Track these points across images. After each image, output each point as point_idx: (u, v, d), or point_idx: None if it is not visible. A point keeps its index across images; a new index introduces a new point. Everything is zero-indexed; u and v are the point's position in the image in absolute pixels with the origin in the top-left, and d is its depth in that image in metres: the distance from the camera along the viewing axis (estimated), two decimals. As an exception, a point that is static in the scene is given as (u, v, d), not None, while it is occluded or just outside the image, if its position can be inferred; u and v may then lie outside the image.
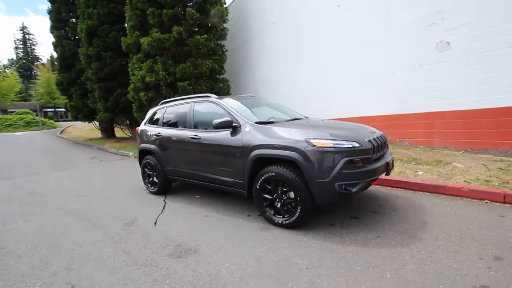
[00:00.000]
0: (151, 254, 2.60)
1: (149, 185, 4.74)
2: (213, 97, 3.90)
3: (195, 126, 3.91)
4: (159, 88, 9.85)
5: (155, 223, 3.37)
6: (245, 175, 3.18)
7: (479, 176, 3.93)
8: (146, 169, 4.76)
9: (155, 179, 4.60)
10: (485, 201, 3.24)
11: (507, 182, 3.60)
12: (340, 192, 2.63)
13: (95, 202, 4.47)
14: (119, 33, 11.87)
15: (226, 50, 11.29)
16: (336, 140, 2.67)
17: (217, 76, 11.03)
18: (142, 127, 4.95)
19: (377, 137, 2.99)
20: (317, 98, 8.56)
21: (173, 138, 4.13)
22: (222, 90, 11.01)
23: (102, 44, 12.16)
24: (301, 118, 3.95)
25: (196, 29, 10.22)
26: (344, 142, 2.65)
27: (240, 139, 3.21)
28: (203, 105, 3.96)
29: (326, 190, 2.63)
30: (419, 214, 3.04)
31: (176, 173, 4.21)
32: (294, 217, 2.80)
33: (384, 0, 6.28)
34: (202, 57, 10.32)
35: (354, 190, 2.63)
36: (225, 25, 10.81)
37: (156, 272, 2.28)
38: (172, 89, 10.01)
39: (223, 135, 3.42)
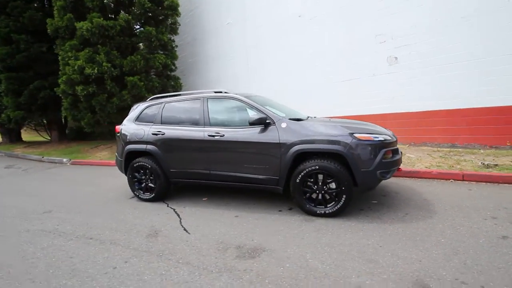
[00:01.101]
0: (215, 259, 2.38)
1: (141, 192, 4.15)
2: (232, 93, 3.77)
3: (211, 124, 3.69)
4: (103, 81, 8.51)
5: (186, 230, 3.04)
6: (281, 171, 3.24)
7: (432, 163, 5.08)
8: (136, 174, 4.14)
9: (150, 184, 4.07)
10: (450, 180, 4.27)
11: (452, 165, 4.80)
12: (379, 179, 3.04)
13: (73, 217, 3.65)
14: (38, 13, 9.56)
15: (176, 46, 10.66)
16: (374, 134, 3.06)
17: (169, 73, 10.28)
18: (128, 125, 4.28)
19: (393, 133, 3.55)
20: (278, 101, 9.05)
21: (182, 137, 3.77)
22: (174, 88, 10.34)
23: (13, 24, 9.57)
24: (312, 117, 4.26)
25: (145, 20, 9.27)
26: (380, 136, 3.07)
27: (277, 135, 3.25)
28: (221, 102, 3.76)
29: (369, 178, 2.99)
30: (416, 194, 3.75)
31: (184, 175, 3.85)
32: (339, 206, 3.04)
33: (345, 16, 7.25)
34: (154, 51, 9.44)
35: (387, 176, 3.07)
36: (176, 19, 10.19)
37: (243, 274, 2.14)
38: (119, 83, 8.81)
39: (254, 132, 3.38)
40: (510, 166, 4.37)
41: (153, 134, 3.97)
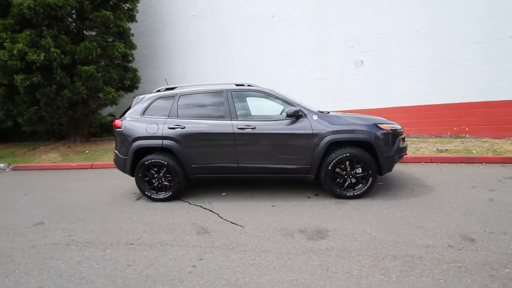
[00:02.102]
0: (291, 244, 2.47)
1: (153, 192, 3.81)
2: (256, 86, 3.80)
3: (238, 117, 3.65)
4: (51, 70, 7.21)
5: (234, 223, 3.00)
6: (314, 160, 3.48)
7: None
8: (147, 172, 3.77)
9: (165, 183, 3.77)
10: (422, 163, 5.23)
11: (414, 151, 5.85)
12: (396, 163, 3.58)
13: (81, 226, 3.18)
14: None
15: (132, 35, 9.72)
16: (392, 124, 3.58)
17: (126, 64, 9.31)
18: (133, 119, 3.84)
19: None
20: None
21: (208, 131, 3.62)
22: (133, 81, 9.44)
23: None
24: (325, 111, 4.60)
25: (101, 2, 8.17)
26: (395, 126, 3.61)
27: (310, 127, 3.47)
28: (246, 95, 3.76)
29: (390, 162, 3.49)
30: (407, 175, 4.48)
31: (208, 170, 3.71)
32: (365, 188, 3.46)
33: (316, 21, 7.87)
34: (110, 39, 8.42)
35: (400, 160, 3.65)
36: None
37: (329, 252, 2.30)
38: (70, 73, 7.58)
39: (286, 124, 3.52)
40: (456, 150, 5.62)
41: (170, 128, 3.69)
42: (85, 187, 4.88)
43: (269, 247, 2.46)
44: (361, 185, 3.50)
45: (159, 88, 4.14)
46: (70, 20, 7.45)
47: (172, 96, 3.86)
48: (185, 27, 10.11)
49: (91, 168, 6.45)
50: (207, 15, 9.64)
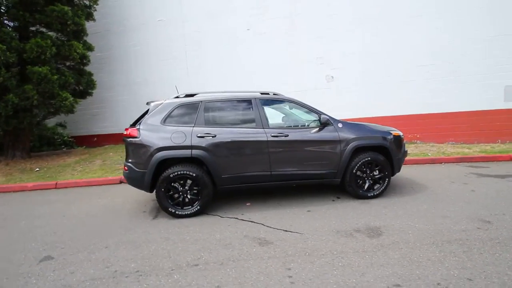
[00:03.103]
0: (360, 243, 2.63)
1: (178, 207, 3.46)
2: (282, 94, 3.89)
3: (269, 125, 3.67)
4: (-8, 70, 5.86)
5: (288, 231, 2.99)
6: (341, 164, 3.75)
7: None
8: (170, 186, 3.41)
9: (190, 197, 3.47)
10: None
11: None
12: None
13: (109, 254, 2.74)
14: None
15: (87, 35, 8.64)
16: (397, 130, 4.13)
17: (81, 67, 8.20)
18: (154, 127, 3.45)
19: None
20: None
21: (241, 139, 3.53)
22: (89, 86, 8.35)
23: None
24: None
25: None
26: (400, 132, 4.17)
27: (337, 134, 3.74)
28: (275, 103, 3.83)
29: (400, 163, 4.02)
30: (407, 175, 5.16)
31: (239, 180, 3.59)
32: (383, 187, 3.89)
33: (292, 38, 8.42)
34: (67, 37, 7.34)
35: (403, 161, 4.22)
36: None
37: (398, 245, 2.54)
38: (16, 75, 6.29)
39: (315, 131, 3.72)
40: (416, 153, 6.72)
41: (199, 137, 3.45)
42: (69, 211, 4.05)
43: (343, 249, 2.56)
44: (378, 185, 3.91)
45: (177, 95, 3.84)
46: (17, 11, 6.17)
47: (196, 103, 3.63)
48: (151, 32, 9.47)
49: (56, 188, 5.36)
50: (176, 22, 9.26)
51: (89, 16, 8.21)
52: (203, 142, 3.46)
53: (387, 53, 7.88)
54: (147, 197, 4.43)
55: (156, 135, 3.44)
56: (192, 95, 3.84)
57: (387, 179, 3.90)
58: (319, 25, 8.19)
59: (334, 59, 8.20)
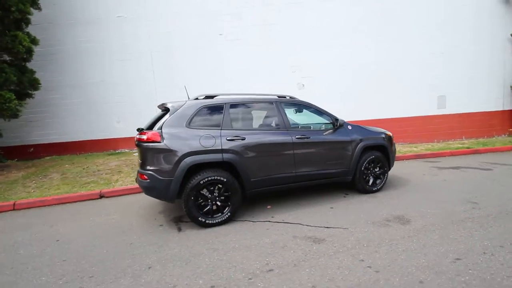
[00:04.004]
0: (400, 231, 2.93)
1: (208, 216, 3.21)
2: (297, 98, 4.01)
3: (292, 127, 3.74)
4: None
5: (330, 227, 3.11)
6: (352, 163, 4.09)
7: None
8: (198, 194, 3.14)
9: (219, 203, 3.27)
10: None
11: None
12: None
13: (164, 277, 2.39)
14: None
15: (29, 25, 7.29)
16: (389, 132, 4.70)
17: (24, 63, 6.86)
18: (178, 131, 3.15)
19: None
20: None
21: (270, 142, 3.51)
22: (32, 86, 7.03)
23: None
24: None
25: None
26: (391, 133, 4.75)
27: (348, 135, 4.06)
28: (293, 106, 3.95)
29: (393, 160, 4.58)
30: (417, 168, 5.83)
31: (267, 182, 3.55)
32: (383, 183, 4.38)
33: (265, 46, 8.68)
34: (8, 27, 6.08)
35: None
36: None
37: (431, 229, 2.92)
38: None
39: (330, 133, 3.97)
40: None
41: (229, 140, 3.29)
42: (59, 234, 3.28)
43: (390, 236, 2.82)
44: (380, 180, 4.39)
45: (197, 96, 3.58)
46: None
47: (220, 105, 3.47)
48: (108, 28, 8.49)
49: (14, 209, 4.25)
50: (140, 20, 8.54)
51: (34, 4, 6.88)
52: (233, 145, 3.32)
53: (350, 65, 8.86)
54: (149, 210, 3.96)
55: (183, 138, 3.15)
56: (212, 97, 3.64)
57: (386, 175, 4.42)
58: (291, 36, 8.70)
59: (305, 68, 8.80)
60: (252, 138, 3.45)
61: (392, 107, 8.97)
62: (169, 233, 3.15)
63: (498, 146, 7.67)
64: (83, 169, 6.39)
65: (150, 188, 3.14)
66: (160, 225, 3.41)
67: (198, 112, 3.35)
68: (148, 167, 3.14)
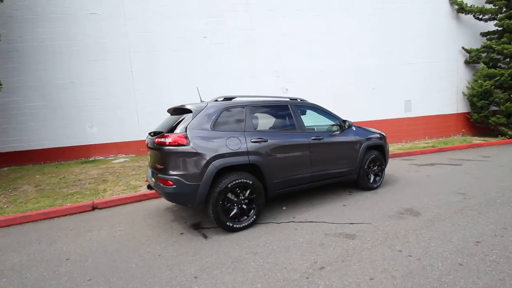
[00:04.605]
0: (416, 222, 3.18)
1: (235, 220, 3.13)
2: (306, 100, 4.14)
3: (306, 128, 3.84)
4: None
5: (358, 223, 3.25)
6: (357, 162, 4.34)
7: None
8: (226, 197, 3.05)
9: (244, 207, 3.22)
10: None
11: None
12: (387, 158, 5.11)
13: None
14: None
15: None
16: (383, 132, 5.07)
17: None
18: (203, 133, 3.02)
19: None
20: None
21: (291, 143, 3.56)
22: None
23: None
24: None
25: None
26: (384, 133, 5.13)
27: (354, 135, 4.30)
28: (305, 108, 4.04)
29: (388, 159, 4.94)
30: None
31: (287, 183, 3.59)
32: (382, 179, 4.71)
33: (249, 50, 8.73)
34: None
35: (385, 157, 5.23)
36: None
37: (442, 217, 3.23)
38: None
39: (339, 134, 4.16)
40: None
41: (253, 142, 3.25)
42: (64, 252, 2.88)
43: (411, 228, 3.05)
44: (378, 177, 4.72)
45: (216, 98, 3.47)
46: None
47: (241, 107, 3.42)
48: (79, 25, 7.77)
49: (-10, 229, 3.61)
50: (117, 19, 7.98)
51: (-8, -8, 6.02)
52: (258, 147, 3.30)
53: (328, 71, 9.35)
54: (159, 219, 3.72)
55: (209, 141, 3.04)
56: (230, 99, 3.58)
57: (384, 172, 4.77)
58: (274, 41, 8.91)
59: (288, 73, 9.07)
60: (274, 140, 3.47)
61: (367, 111, 9.68)
62: (195, 241, 3.00)
63: (457, 144, 8.76)
64: (60, 179, 5.71)
65: (176, 194, 2.95)
66: (181, 233, 3.22)
67: (221, 114, 3.26)
68: (173, 172, 2.95)
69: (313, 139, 3.82)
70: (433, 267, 2.26)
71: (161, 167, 3.07)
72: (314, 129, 4.07)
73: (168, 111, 3.91)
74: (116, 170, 6.49)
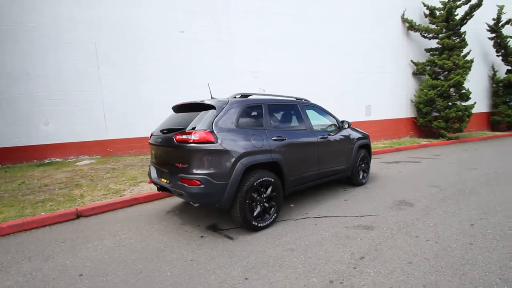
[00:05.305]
0: (414, 213, 3.58)
1: (259, 219, 3.10)
2: (309, 101, 4.28)
3: (312, 128, 3.97)
4: None
5: (367, 215, 3.50)
6: (352, 160, 4.68)
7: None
8: (251, 196, 2.99)
9: (266, 205, 3.20)
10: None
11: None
12: (369, 157, 5.60)
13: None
14: None
15: None
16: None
17: None
18: (229, 131, 2.92)
19: None
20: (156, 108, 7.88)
21: (303, 141, 3.66)
22: None
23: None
24: None
25: None
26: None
27: (349, 135, 4.62)
28: (310, 108, 4.15)
29: (371, 156, 5.42)
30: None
31: (299, 181, 3.68)
32: (368, 175, 5.14)
33: (229, 50, 8.59)
34: None
35: (367, 156, 5.72)
36: None
37: (437, 206, 3.69)
38: None
39: (337, 133, 4.43)
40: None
41: (274, 140, 3.25)
42: (72, 268, 2.46)
43: (414, 217, 3.43)
44: (365, 174, 5.15)
45: (234, 95, 3.35)
46: None
47: (259, 105, 3.39)
48: (37, 9, 6.66)
49: None
50: (80, 5, 7.08)
51: None
52: (278, 145, 3.32)
53: (303, 74, 9.78)
54: (168, 223, 3.46)
55: (235, 138, 2.95)
56: (246, 96, 3.51)
57: (369, 169, 5.23)
58: (253, 43, 8.97)
59: (266, 74, 9.21)
60: (291, 138, 3.53)
61: (337, 114, 10.39)
62: (222, 243, 2.87)
63: (409, 145, 10.03)
64: (19, 185, 4.81)
65: (203, 194, 2.77)
66: (201, 236, 3.05)
67: (243, 111, 3.20)
68: (199, 171, 2.78)
69: (320, 138, 4.00)
70: (452, 248, 2.60)
71: (183, 166, 2.87)
72: (318, 128, 4.26)
73: (174, 107, 3.67)
74: (86, 173, 5.75)
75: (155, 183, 3.44)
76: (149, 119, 7.38)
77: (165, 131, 3.19)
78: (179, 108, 3.60)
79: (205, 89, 8.13)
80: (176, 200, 4.45)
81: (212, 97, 3.58)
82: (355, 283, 2.12)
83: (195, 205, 2.93)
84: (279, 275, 2.27)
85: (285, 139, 3.45)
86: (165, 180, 3.20)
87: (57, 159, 7.18)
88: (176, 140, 2.90)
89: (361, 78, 10.73)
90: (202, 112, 3.10)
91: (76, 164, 6.62)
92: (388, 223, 3.25)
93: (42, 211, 3.88)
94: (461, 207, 3.70)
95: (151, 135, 3.57)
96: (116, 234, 3.22)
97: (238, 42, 8.85)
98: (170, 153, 3.08)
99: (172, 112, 3.78)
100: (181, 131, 2.93)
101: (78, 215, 3.82)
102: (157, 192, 4.54)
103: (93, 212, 3.94)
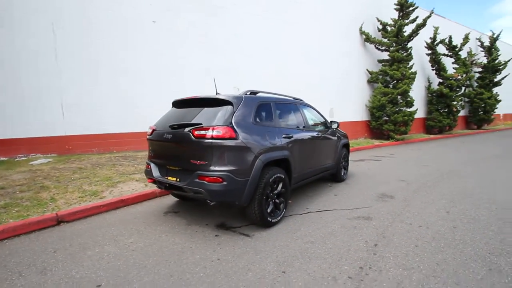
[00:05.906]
0: (402, 207, 4.05)
1: (272, 214, 3.15)
2: (303, 100, 4.46)
3: (309, 126, 4.16)
4: None
5: (360, 207, 3.81)
6: (337, 157, 5.03)
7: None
8: (267, 191, 3.03)
9: (277, 201, 3.27)
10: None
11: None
12: (347, 155, 6.07)
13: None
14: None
15: None
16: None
17: None
18: (248, 127, 2.92)
19: None
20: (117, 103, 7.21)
21: (306, 139, 3.84)
22: None
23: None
24: None
25: None
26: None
27: (336, 133, 4.97)
28: (305, 108, 4.33)
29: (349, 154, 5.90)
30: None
31: (301, 177, 3.85)
32: (347, 172, 5.58)
33: (203, 46, 8.32)
34: None
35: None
36: None
37: (410, 200, 4.22)
38: None
39: (327, 132, 4.72)
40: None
41: (284, 137, 3.32)
42: (72, 281, 2.14)
43: (400, 207, 3.89)
44: (345, 171, 5.59)
45: (245, 91, 3.30)
46: None
47: (268, 103, 3.43)
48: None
49: None
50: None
51: None
52: (287, 142, 3.42)
53: (277, 75, 10.04)
54: (171, 224, 3.29)
55: (254, 135, 2.96)
56: (255, 93, 3.50)
57: (348, 166, 5.69)
58: (227, 39, 8.87)
59: (240, 73, 9.21)
60: (296, 136, 3.67)
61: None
62: (242, 240, 2.85)
63: (366, 145, 11.13)
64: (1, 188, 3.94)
65: (225, 191, 2.69)
66: (216, 235, 2.96)
67: (257, 108, 3.20)
68: (220, 168, 2.70)
69: (317, 136, 4.23)
70: (442, 232, 3.05)
71: (202, 162, 2.75)
72: (314, 127, 4.49)
73: (175, 102, 3.49)
74: (49, 173, 5.00)
75: (158, 182, 3.21)
76: (120, 114, 6.76)
77: (175, 126, 3.01)
78: (182, 103, 3.43)
79: (176, 81, 7.79)
80: (168, 200, 4.20)
81: (217, 93, 3.50)
82: (382, 267, 2.34)
83: (211, 203, 2.83)
84: (312, 266, 2.37)
85: (292, 136, 3.57)
86: (174, 178, 3.02)
87: (2, 158, 6.06)
88: (195, 136, 2.77)
89: (326, 84, 11.51)
90: (217, 108, 3.02)
91: (31, 163, 5.68)
92: (382, 214, 3.62)
93: (9, 218, 3.27)
94: (432, 198, 4.31)
95: (153, 130, 3.32)
96: (117, 239, 2.92)
97: (212, 39, 8.69)
98: (184, 149, 2.92)
99: (172, 107, 3.58)
100: (198, 126, 2.81)
101: (59, 221, 3.33)
102: (145, 192, 4.26)
103: (76, 217, 3.48)
